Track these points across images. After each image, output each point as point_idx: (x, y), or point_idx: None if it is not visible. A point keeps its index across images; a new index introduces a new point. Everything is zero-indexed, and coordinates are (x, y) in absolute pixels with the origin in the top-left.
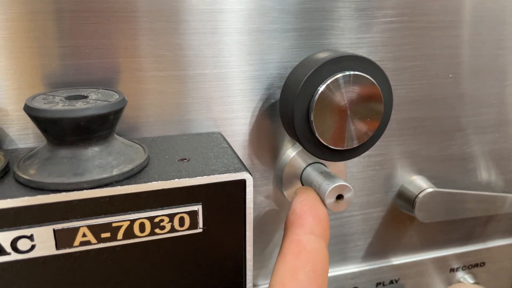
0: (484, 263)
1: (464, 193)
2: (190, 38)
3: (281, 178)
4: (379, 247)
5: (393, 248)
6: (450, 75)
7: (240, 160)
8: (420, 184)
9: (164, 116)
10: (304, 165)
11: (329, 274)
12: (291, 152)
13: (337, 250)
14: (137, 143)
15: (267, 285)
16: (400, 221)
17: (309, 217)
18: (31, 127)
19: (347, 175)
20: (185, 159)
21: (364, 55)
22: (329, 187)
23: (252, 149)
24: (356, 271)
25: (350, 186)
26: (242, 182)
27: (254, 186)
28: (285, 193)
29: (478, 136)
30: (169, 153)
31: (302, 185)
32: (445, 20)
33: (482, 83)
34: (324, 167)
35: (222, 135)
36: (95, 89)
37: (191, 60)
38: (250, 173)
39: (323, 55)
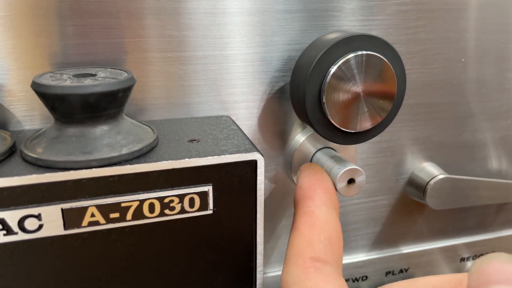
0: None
1: (476, 180)
2: (199, 18)
3: (291, 164)
4: (389, 235)
5: (402, 236)
6: (463, 60)
7: (251, 141)
8: (431, 171)
9: (172, 98)
10: (314, 150)
11: None
12: (301, 137)
13: (346, 237)
14: (145, 125)
15: (273, 274)
16: (410, 209)
17: (318, 190)
18: (38, 108)
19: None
20: (195, 140)
21: None
22: (340, 171)
23: (261, 133)
24: (365, 260)
25: (362, 170)
26: (253, 163)
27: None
28: (294, 178)
29: (490, 122)
30: (178, 134)
31: None
32: (459, 2)
33: (495, 68)
34: (334, 152)
35: (231, 118)
36: (103, 68)
37: (199, 41)
38: (261, 154)
39: (334, 36)
